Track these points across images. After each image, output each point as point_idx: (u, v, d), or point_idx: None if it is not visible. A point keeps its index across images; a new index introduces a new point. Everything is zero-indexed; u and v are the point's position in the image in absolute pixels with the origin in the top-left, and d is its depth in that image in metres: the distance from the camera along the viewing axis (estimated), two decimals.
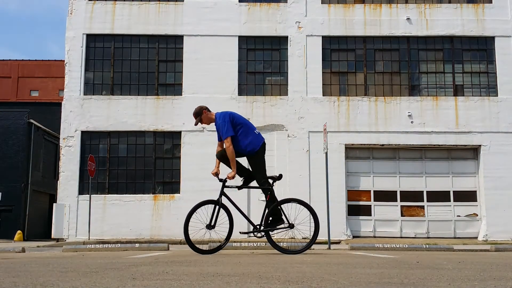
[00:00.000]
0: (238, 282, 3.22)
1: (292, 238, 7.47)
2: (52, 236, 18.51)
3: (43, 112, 36.32)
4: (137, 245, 11.17)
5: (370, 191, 18.81)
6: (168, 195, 18.45)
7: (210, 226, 7.22)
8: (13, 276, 3.62)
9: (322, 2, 19.63)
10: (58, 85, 43.35)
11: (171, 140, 18.93)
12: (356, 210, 18.65)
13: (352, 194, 18.75)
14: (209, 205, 7.41)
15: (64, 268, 4.44)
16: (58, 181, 18.64)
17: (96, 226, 18.02)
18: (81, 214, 18.11)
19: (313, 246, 12.09)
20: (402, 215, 18.69)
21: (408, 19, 19.44)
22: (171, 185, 18.71)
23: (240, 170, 7.53)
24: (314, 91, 19.03)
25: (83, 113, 18.88)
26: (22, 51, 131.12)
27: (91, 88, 19.21)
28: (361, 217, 18.63)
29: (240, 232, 7.50)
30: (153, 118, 18.84)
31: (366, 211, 18.70)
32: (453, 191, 18.82)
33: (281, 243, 7.77)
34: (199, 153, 18.58)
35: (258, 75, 19.37)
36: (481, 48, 19.52)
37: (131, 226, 18.13)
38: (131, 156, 18.92)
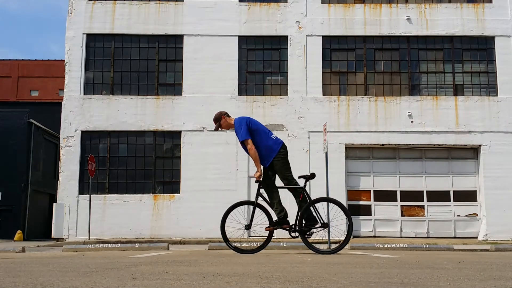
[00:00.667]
0: (238, 282, 3.22)
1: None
2: (52, 236, 18.51)
3: (43, 112, 36.31)
4: (137, 245, 11.17)
5: (370, 191, 18.81)
6: (168, 195, 18.46)
7: (247, 226, 7.48)
8: (13, 276, 3.62)
9: (322, 2, 19.63)
10: (58, 85, 43.35)
11: (171, 140, 18.94)
12: (356, 210, 18.66)
13: (352, 194, 18.75)
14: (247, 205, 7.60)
15: (64, 268, 4.44)
16: (58, 181, 18.64)
17: (96, 226, 18.02)
18: (81, 214, 18.11)
19: None
20: (402, 215, 18.69)
21: (408, 19, 19.44)
22: (171, 185, 18.71)
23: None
24: (314, 91, 19.03)
25: (83, 113, 18.89)
26: (22, 51, 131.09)
27: (91, 88, 19.21)
28: (361, 217, 18.63)
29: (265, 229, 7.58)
30: (153, 118, 18.85)
31: (366, 211, 18.70)
32: (453, 191, 18.83)
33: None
34: (199, 153, 18.59)
35: (258, 75, 19.38)
36: (481, 48, 19.52)
37: (131, 226, 18.14)
38: (131, 156, 18.92)
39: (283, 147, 7.36)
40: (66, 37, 19.32)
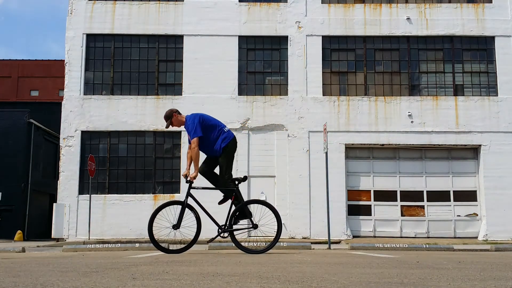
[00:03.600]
0: (238, 282, 3.22)
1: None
2: (52, 236, 18.51)
3: (43, 112, 36.29)
4: (137, 245, 11.17)
5: (370, 191, 18.81)
6: (168, 195, 18.46)
7: (176, 226, 7.38)
8: (13, 276, 3.62)
9: (322, 2, 19.63)
10: (58, 85, 43.33)
11: (171, 140, 18.94)
12: (356, 210, 18.66)
13: (352, 194, 18.75)
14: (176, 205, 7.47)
15: (64, 268, 4.44)
16: (58, 181, 18.64)
17: (96, 226, 18.02)
18: (81, 214, 18.11)
19: (313, 246, 12.09)
20: (402, 215, 18.69)
21: (408, 19, 19.44)
22: (171, 185, 18.71)
23: (206, 172, 7.62)
24: (314, 91, 19.03)
25: (83, 113, 18.89)
26: (22, 51, 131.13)
27: (91, 88, 19.21)
28: (361, 217, 18.63)
29: (207, 241, 7.63)
30: (153, 118, 18.84)
31: (366, 211, 18.70)
32: (453, 191, 18.83)
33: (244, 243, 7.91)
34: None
35: (258, 75, 19.38)
36: (481, 48, 19.52)
37: (131, 226, 18.13)
38: (131, 156, 18.92)
39: (234, 141, 7.44)
40: (66, 37, 19.32)
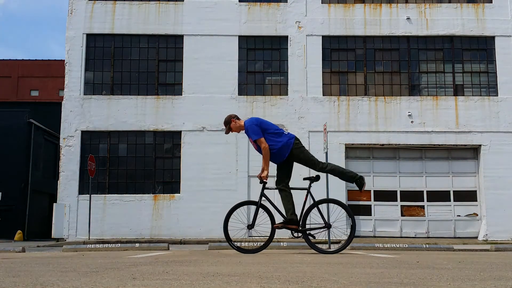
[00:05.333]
0: (238, 282, 3.22)
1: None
2: (52, 236, 18.51)
3: (43, 112, 36.30)
4: (137, 245, 11.17)
5: (370, 191, 18.81)
6: (168, 195, 18.46)
7: (250, 226, 7.48)
8: (13, 276, 3.62)
9: (322, 2, 19.63)
10: (58, 85, 43.33)
11: (171, 140, 18.94)
12: (356, 209, 18.66)
13: (352, 194, 18.75)
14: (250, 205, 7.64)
15: (64, 268, 4.44)
16: (58, 181, 18.64)
17: (96, 226, 18.02)
18: (81, 214, 18.11)
19: None
20: (402, 215, 18.70)
21: (408, 18, 19.45)
22: (171, 185, 18.71)
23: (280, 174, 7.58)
24: (314, 91, 19.03)
25: (83, 113, 18.89)
26: (22, 51, 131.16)
27: (91, 88, 19.21)
28: (361, 217, 18.63)
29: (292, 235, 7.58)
30: (153, 118, 18.85)
31: (366, 210, 18.71)
32: (453, 191, 18.83)
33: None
34: (199, 153, 18.59)
35: (258, 75, 19.38)
36: (481, 48, 19.52)
37: (131, 226, 18.14)
38: (131, 156, 18.92)
39: (297, 139, 7.35)
40: (66, 37, 19.32)
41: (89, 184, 17.70)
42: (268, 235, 7.50)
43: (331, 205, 7.76)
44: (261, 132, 7.17)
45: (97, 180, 18.49)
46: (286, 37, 19.43)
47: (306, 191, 7.50)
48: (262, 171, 7.37)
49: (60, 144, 18.93)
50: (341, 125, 18.79)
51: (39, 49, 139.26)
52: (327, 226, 7.39)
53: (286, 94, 19.10)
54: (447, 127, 18.81)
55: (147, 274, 3.75)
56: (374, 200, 18.75)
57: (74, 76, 19.09)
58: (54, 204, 18.57)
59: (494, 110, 18.93)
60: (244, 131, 7.41)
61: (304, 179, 7.60)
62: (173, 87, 19.30)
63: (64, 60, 19.80)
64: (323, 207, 7.70)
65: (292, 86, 19.08)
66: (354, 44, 19.57)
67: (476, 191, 18.83)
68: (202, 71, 19.11)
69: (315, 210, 7.36)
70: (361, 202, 18.75)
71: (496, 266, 4.98)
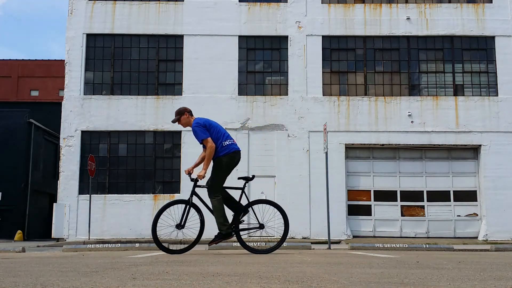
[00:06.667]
0: (238, 282, 3.22)
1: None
2: (52, 236, 18.51)
3: (43, 112, 36.30)
4: (137, 245, 11.17)
5: (370, 191, 18.81)
6: (168, 195, 18.46)
7: (180, 226, 7.21)
8: (13, 276, 3.62)
9: (322, 2, 19.63)
10: (58, 85, 43.33)
11: (171, 140, 18.94)
12: (356, 210, 18.66)
13: (352, 194, 18.76)
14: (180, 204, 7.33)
15: (64, 268, 4.44)
16: (58, 181, 18.64)
17: (96, 226, 18.02)
18: (81, 214, 18.11)
19: (313, 246, 12.09)
20: (402, 215, 18.70)
21: (408, 18, 19.45)
22: (171, 184, 18.71)
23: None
24: (314, 91, 19.03)
25: (83, 113, 18.89)
26: (22, 51, 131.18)
27: (91, 88, 19.22)
28: (361, 217, 18.64)
29: (208, 244, 7.47)
30: (153, 118, 18.85)
31: (366, 211, 18.71)
32: (453, 191, 18.83)
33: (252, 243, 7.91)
34: (199, 153, 18.50)
35: (258, 75, 19.38)
36: (481, 48, 19.52)
37: (131, 226, 18.14)
38: (131, 156, 18.92)
39: (237, 153, 7.18)
40: (66, 37, 19.32)
41: (89, 184, 17.70)
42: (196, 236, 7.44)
43: (268, 206, 7.61)
44: (207, 132, 7.04)
45: (97, 180, 18.49)
46: (286, 37, 19.43)
47: (240, 190, 7.44)
48: (194, 167, 7.27)
49: (60, 144, 18.93)
50: (341, 125, 18.79)
51: (39, 49, 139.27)
52: (261, 226, 7.31)
53: (286, 94, 19.10)
54: (447, 127, 18.81)
55: (147, 274, 3.75)
56: (374, 200, 18.75)
57: (74, 76, 19.09)
58: (54, 204, 18.57)
59: (494, 110, 18.93)
60: (190, 127, 7.27)
61: (239, 178, 7.54)
62: (173, 87, 19.30)
63: (64, 60, 19.80)
64: (260, 208, 7.68)
65: (292, 86, 19.08)
66: (354, 44, 19.57)
67: (476, 191, 18.83)
68: (202, 71, 19.11)
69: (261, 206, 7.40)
70: (361, 202, 18.75)
71: (496, 266, 4.98)
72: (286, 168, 18.47)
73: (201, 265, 4.74)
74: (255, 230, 7.35)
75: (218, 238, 7.14)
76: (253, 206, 7.38)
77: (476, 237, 18.43)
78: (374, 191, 18.81)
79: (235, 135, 18.57)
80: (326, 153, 13.59)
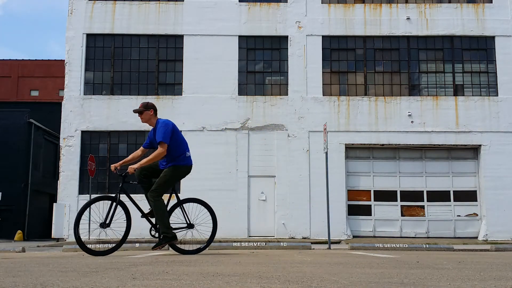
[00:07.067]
0: (238, 282, 3.22)
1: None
2: (52, 236, 18.51)
3: (43, 112, 36.29)
4: (137, 245, 11.17)
5: (370, 191, 18.81)
6: (168, 195, 18.42)
7: (104, 225, 6.86)
8: (13, 276, 3.62)
9: (322, 2, 19.63)
10: (58, 85, 43.33)
11: None
12: (356, 210, 18.66)
13: (352, 194, 18.76)
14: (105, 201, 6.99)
15: (64, 268, 4.44)
16: (58, 181, 18.64)
17: (96, 226, 18.00)
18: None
19: (313, 246, 12.10)
20: (402, 215, 18.70)
21: (408, 18, 19.45)
22: None
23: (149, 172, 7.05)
24: (314, 91, 19.03)
25: (83, 113, 18.89)
26: (22, 51, 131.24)
27: (91, 88, 19.22)
28: (361, 217, 18.64)
29: (152, 249, 7.22)
30: None
31: (366, 211, 18.71)
32: (453, 191, 18.83)
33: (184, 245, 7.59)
34: (199, 153, 18.57)
35: (258, 75, 19.38)
36: (481, 48, 19.52)
37: (131, 226, 18.10)
38: None
39: (188, 168, 7.10)
40: (66, 37, 19.33)
41: (89, 184, 17.69)
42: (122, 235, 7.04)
43: (197, 205, 7.43)
44: (169, 139, 6.77)
45: (97, 180, 18.49)
46: (286, 37, 19.43)
47: (170, 189, 7.15)
48: (122, 163, 6.93)
49: (60, 144, 18.93)
50: (341, 125, 18.79)
51: (39, 49, 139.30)
52: (190, 226, 7.09)
53: (286, 94, 19.10)
54: (447, 127, 18.81)
55: (147, 274, 3.74)
56: (374, 200, 18.75)
57: (74, 76, 19.09)
58: (54, 204, 18.57)
59: (494, 110, 18.93)
60: (149, 125, 6.91)
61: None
62: (173, 87, 19.30)
63: (64, 60, 19.80)
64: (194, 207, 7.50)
65: (292, 86, 19.08)
66: (354, 44, 19.57)
67: (476, 191, 18.83)
68: (202, 71, 19.11)
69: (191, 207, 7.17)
70: (361, 202, 18.75)
71: (496, 266, 4.98)
72: (286, 168, 18.47)
73: (201, 265, 4.74)
74: (181, 230, 7.06)
75: (164, 241, 6.86)
76: (184, 205, 7.17)
77: (476, 237, 18.43)
78: (374, 191, 18.81)
79: (235, 135, 18.58)
80: (326, 153, 13.59)
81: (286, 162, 18.50)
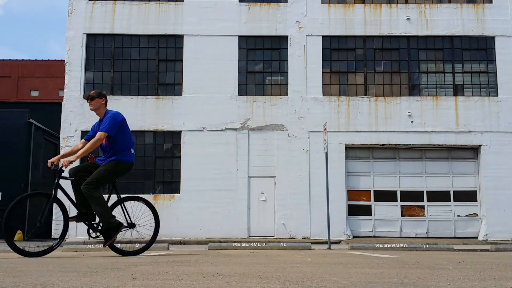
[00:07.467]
0: (238, 282, 3.22)
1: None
2: (52, 236, 18.49)
3: (43, 112, 36.27)
4: (137, 245, 11.16)
5: (370, 191, 18.81)
6: (168, 195, 18.46)
7: (38, 224, 6.48)
8: (13, 276, 3.62)
9: (322, 2, 19.63)
10: (58, 85, 43.33)
11: (171, 140, 18.94)
12: (356, 210, 18.66)
13: (352, 194, 18.76)
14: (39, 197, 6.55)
15: (64, 268, 4.43)
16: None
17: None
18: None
19: (313, 246, 12.09)
20: (402, 215, 18.70)
21: (408, 19, 19.45)
22: (171, 185, 18.71)
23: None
24: (314, 91, 19.03)
25: (83, 113, 18.89)
26: (22, 51, 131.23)
27: (91, 88, 19.21)
28: (361, 217, 18.64)
29: (103, 246, 6.72)
30: (153, 118, 18.85)
31: (366, 211, 18.71)
32: (453, 191, 18.83)
33: (120, 245, 7.31)
34: (199, 153, 18.59)
35: (258, 75, 19.38)
36: (481, 48, 19.52)
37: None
38: None
39: (129, 165, 6.66)
40: (66, 37, 19.33)
41: None
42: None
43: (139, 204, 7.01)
44: (115, 132, 6.41)
45: None
46: (286, 37, 19.43)
47: (110, 185, 6.83)
48: (61, 157, 6.54)
49: (60, 144, 18.94)
50: (341, 125, 18.79)
51: (39, 49, 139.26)
52: (131, 225, 6.79)
53: (286, 94, 19.10)
54: (447, 127, 18.81)
55: (147, 274, 3.74)
56: (374, 200, 18.75)
57: (74, 76, 19.10)
58: (54, 204, 18.52)
59: (494, 110, 18.93)
60: (97, 114, 6.64)
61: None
62: (173, 87, 19.30)
63: (64, 60, 19.80)
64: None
65: (292, 86, 19.08)
66: (354, 44, 19.57)
67: (476, 191, 18.83)
68: (202, 71, 19.11)
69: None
70: (361, 202, 18.75)
71: (496, 266, 4.98)
72: (286, 168, 18.47)
73: (201, 265, 4.74)
74: (124, 229, 6.76)
75: (112, 234, 6.52)
76: (124, 204, 6.91)
77: (476, 237, 18.43)
78: (374, 191, 18.81)
79: (235, 135, 18.58)
80: (326, 153, 13.59)
81: (286, 162, 18.50)
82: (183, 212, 18.23)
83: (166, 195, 18.47)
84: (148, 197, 18.47)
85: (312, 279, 3.46)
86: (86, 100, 6.73)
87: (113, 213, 6.84)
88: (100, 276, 3.62)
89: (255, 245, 11.16)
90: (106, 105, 6.70)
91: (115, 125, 6.39)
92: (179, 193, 18.46)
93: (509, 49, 19.28)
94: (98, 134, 6.33)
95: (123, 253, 6.72)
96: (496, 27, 19.40)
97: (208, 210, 18.01)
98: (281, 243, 11.48)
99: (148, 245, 6.95)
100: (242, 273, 3.90)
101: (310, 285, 3.09)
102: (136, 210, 7.78)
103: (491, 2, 19.61)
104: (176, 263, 5.02)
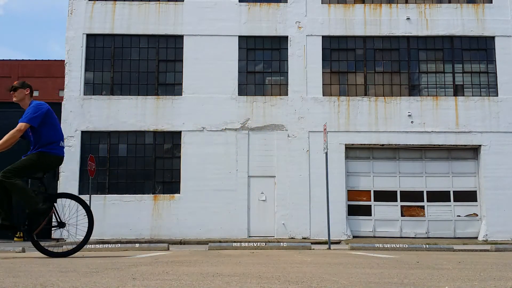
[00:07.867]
0: (238, 282, 3.22)
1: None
2: (52, 236, 18.49)
3: None
4: (137, 245, 11.17)
5: (370, 191, 18.81)
6: (168, 195, 18.46)
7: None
8: (13, 276, 3.62)
9: (322, 2, 19.63)
10: (58, 85, 43.30)
11: (171, 140, 18.94)
12: (356, 210, 18.66)
13: (352, 194, 18.76)
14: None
15: (64, 268, 4.43)
16: (58, 181, 18.64)
17: (96, 226, 17.99)
18: (81, 214, 18.06)
19: (313, 246, 12.09)
20: (402, 215, 18.69)
21: (408, 19, 19.44)
22: (171, 185, 18.71)
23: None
24: (314, 91, 19.03)
25: (83, 113, 18.89)
26: (22, 51, 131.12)
27: (91, 88, 19.22)
28: (361, 217, 18.64)
29: (34, 234, 6.27)
30: (153, 118, 18.85)
31: (366, 211, 18.70)
32: (453, 191, 18.83)
33: (51, 247, 6.84)
34: (199, 153, 18.59)
35: (258, 75, 19.38)
36: (481, 48, 19.52)
37: (131, 226, 18.13)
38: (131, 156, 18.92)
39: (58, 157, 6.24)
40: (66, 37, 19.33)
41: (89, 184, 17.69)
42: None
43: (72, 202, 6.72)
44: (38, 122, 5.93)
45: (97, 180, 18.49)
46: (286, 37, 19.43)
47: (38, 182, 6.40)
48: None
49: None
50: (341, 125, 18.79)
51: (39, 49, 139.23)
52: (60, 224, 6.39)
53: (286, 94, 19.10)
54: (447, 127, 18.81)
55: (147, 274, 3.74)
56: (374, 200, 18.75)
57: (74, 76, 19.10)
58: (54, 204, 18.52)
59: (494, 110, 18.93)
60: (22, 106, 6.28)
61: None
62: (173, 87, 19.30)
63: (64, 60, 19.81)
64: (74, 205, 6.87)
65: (292, 86, 19.08)
66: (354, 44, 19.57)
67: (476, 191, 18.82)
68: (202, 71, 19.11)
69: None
70: (361, 202, 18.75)
71: (496, 266, 4.99)
72: (286, 168, 18.47)
73: (201, 265, 4.74)
74: (53, 228, 6.42)
75: (42, 218, 6.14)
76: (56, 202, 6.55)
77: (476, 237, 18.43)
78: (374, 191, 18.81)
79: (235, 135, 18.57)
80: (326, 153, 13.59)
81: (286, 162, 18.50)
82: (183, 212, 18.23)
83: (166, 195, 18.47)
84: (148, 197, 18.48)
85: (312, 279, 3.46)
86: (9, 92, 6.37)
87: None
88: (100, 276, 3.62)
89: (255, 245, 11.17)
90: (31, 96, 6.30)
91: (37, 115, 5.94)
92: (179, 193, 18.46)
93: (509, 49, 19.28)
94: (19, 124, 5.86)
95: (50, 254, 6.25)
96: (496, 27, 19.40)
97: (208, 210, 18.01)
98: (281, 243, 11.48)
99: (79, 246, 6.54)
100: (242, 273, 3.90)
101: (310, 285, 3.09)
102: (73, 209, 7.45)
103: (491, 2, 19.61)
104: (176, 263, 5.02)
